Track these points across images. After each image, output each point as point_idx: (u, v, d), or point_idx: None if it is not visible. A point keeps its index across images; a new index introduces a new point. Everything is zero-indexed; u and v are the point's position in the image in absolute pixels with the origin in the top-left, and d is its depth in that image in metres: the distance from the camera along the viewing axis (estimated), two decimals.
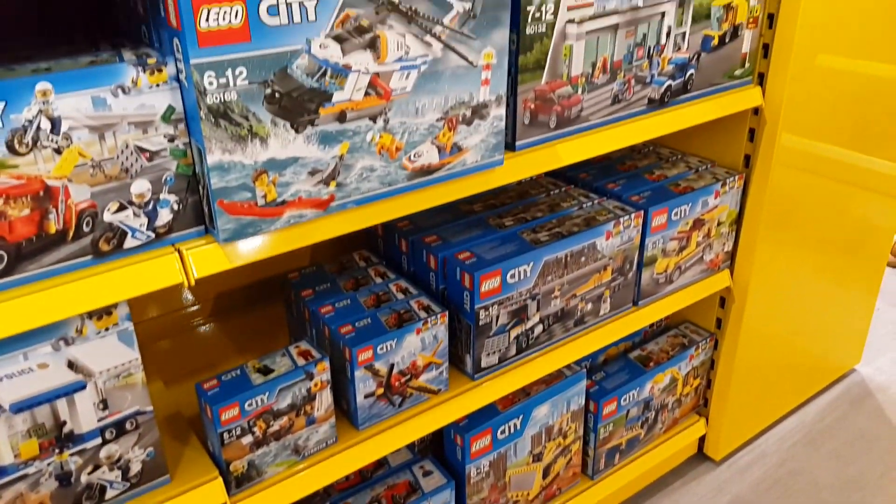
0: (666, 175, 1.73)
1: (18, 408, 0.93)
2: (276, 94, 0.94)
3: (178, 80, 0.91)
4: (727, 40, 1.52)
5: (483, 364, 1.41)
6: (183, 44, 0.86)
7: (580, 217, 1.53)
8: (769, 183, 1.70)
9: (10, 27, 1.14)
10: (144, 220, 0.94)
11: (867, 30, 1.71)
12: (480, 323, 1.36)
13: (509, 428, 1.54)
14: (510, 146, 1.28)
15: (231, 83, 0.90)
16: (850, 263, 2.16)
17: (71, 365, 0.96)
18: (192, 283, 0.96)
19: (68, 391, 0.97)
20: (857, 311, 2.34)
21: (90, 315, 0.95)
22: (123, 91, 0.87)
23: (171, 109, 0.92)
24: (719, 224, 1.73)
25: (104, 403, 1.01)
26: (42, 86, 0.82)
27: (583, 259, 1.48)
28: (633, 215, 1.53)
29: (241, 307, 1.69)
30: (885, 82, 1.85)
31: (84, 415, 1.00)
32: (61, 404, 0.97)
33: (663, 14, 1.37)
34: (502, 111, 1.19)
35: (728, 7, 1.48)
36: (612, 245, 1.52)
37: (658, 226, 1.60)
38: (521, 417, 1.55)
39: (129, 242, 0.94)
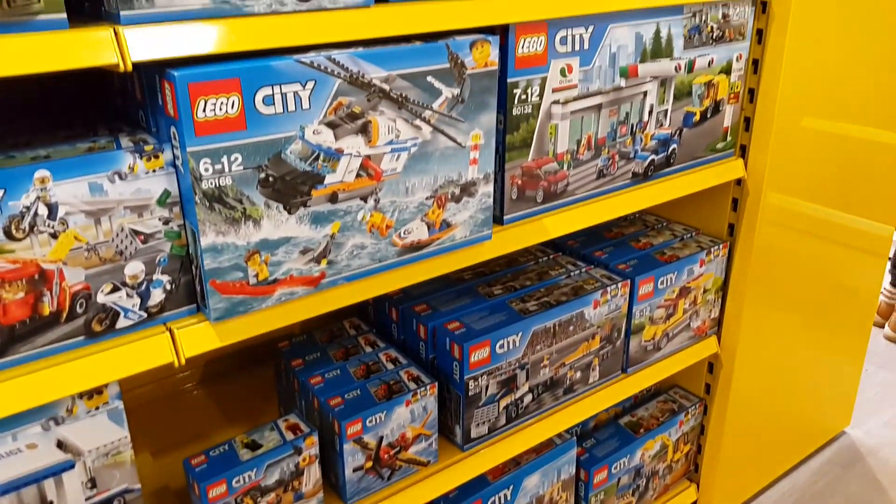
0: (652, 243, 1.77)
1: (4, 490, 0.93)
2: (270, 178, 0.97)
3: (174, 165, 0.93)
4: (709, 115, 1.57)
5: (473, 434, 1.41)
6: (180, 133, 0.89)
7: (568, 286, 1.55)
8: (753, 251, 1.73)
9: (10, 108, 1.17)
10: (137, 300, 0.96)
11: (845, 98, 1.77)
12: (470, 393, 1.37)
13: (500, 499, 1.53)
14: (498, 220, 1.31)
15: (226, 169, 0.92)
16: (836, 325, 2.19)
17: (60, 444, 0.96)
18: (183, 362, 0.97)
19: (57, 471, 0.97)
20: (846, 372, 2.35)
21: (81, 395, 0.95)
22: (120, 177, 0.90)
23: (166, 193, 0.94)
24: (705, 291, 1.76)
25: (92, 482, 1.01)
26: (41, 173, 0.85)
27: (571, 328, 1.50)
28: (620, 284, 1.56)
29: (231, 373, 1.69)
30: (865, 144, 1.90)
31: (72, 494, 0.99)
32: (49, 484, 0.97)
33: (645, 93, 1.42)
34: (490, 188, 1.22)
35: (709, 84, 1.53)
36: (599, 314, 1.54)
37: (645, 294, 1.62)
38: (511, 488, 1.55)
39: (122, 322, 0.96)
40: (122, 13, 0.84)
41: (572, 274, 1.61)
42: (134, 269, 0.94)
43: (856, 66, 1.74)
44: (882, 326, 3.07)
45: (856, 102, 1.81)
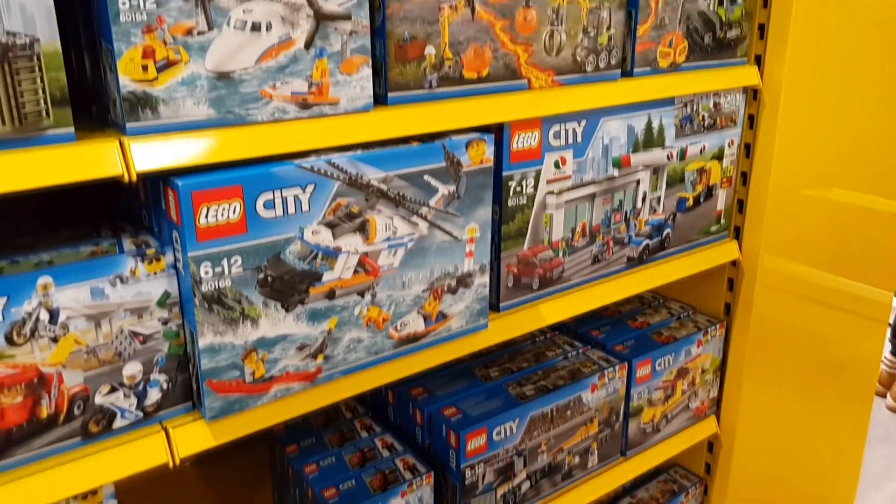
0: (648, 322, 1.77)
1: None
2: (269, 279, 0.98)
3: (175, 267, 0.95)
4: (702, 200, 1.60)
5: None
6: (182, 238, 0.91)
7: (565, 368, 1.55)
8: (750, 330, 1.74)
9: (13, 203, 1.20)
10: (134, 400, 0.96)
11: (838, 170, 1.80)
12: (466, 482, 1.35)
13: None
14: (494, 307, 1.32)
15: (226, 272, 0.94)
16: (837, 397, 2.17)
17: None
18: (177, 462, 0.97)
19: None
20: (848, 447, 2.33)
21: (76, 496, 0.95)
22: (122, 281, 0.91)
23: (166, 295, 0.96)
24: (703, 372, 1.76)
25: None
26: (43, 280, 0.86)
27: (569, 413, 1.49)
28: (617, 367, 1.56)
29: (225, 452, 1.68)
30: (859, 211, 1.92)
31: None
32: None
33: (638, 182, 1.45)
34: (486, 279, 1.23)
35: (702, 170, 1.56)
36: (597, 397, 1.54)
37: (642, 376, 1.62)
38: None
39: (118, 422, 0.96)
40: (128, 125, 0.86)
41: (569, 355, 1.61)
42: (132, 369, 0.95)
43: (847, 138, 1.77)
44: (884, 396, 3.05)
45: (849, 173, 1.83)
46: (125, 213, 1.12)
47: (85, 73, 1.00)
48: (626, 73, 1.37)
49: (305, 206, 0.99)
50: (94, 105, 0.99)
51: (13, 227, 1.03)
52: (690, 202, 1.57)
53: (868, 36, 1.68)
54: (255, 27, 0.91)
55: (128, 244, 0.95)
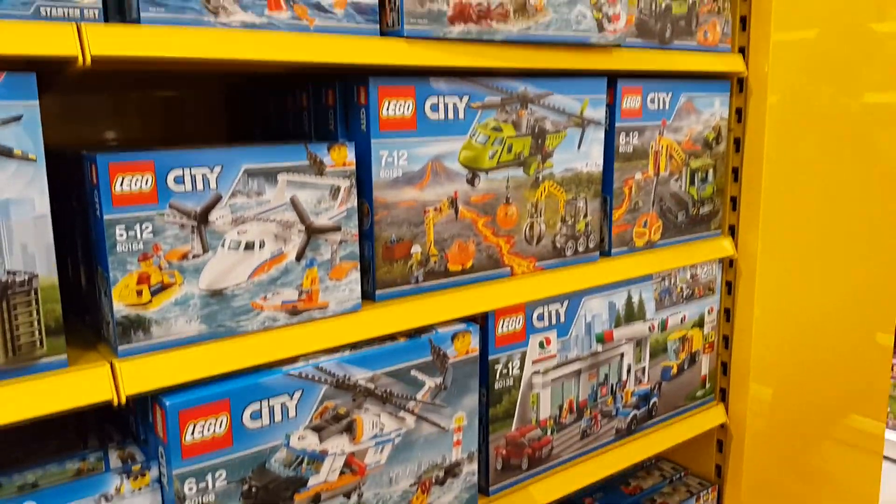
0: (642, 487, 1.75)
1: None
2: (253, 489, 0.97)
3: (159, 482, 0.94)
4: (686, 367, 1.62)
5: None
6: (167, 455, 0.91)
7: None
8: (742, 495, 1.72)
9: None
10: None
11: (818, 327, 1.83)
12: None
13: None
14: (484, 490, 1.30)
15: (210, 486, 0.93)
16: None
17: None
18: None
19: None
20: None
21: None
22: (107, 499, 0.90)
23: None
24: None
25: None
26: None
27: None
28: None
29: None
30: (841, 363, 1.94)
31: None
32: None
33: (622, 355, 1.47)
34: (474, 466, 1.23)
35: (683, 339, 1.59)
36: None
37: None
38: None
39: None
40: (120, 347, 0.88)
41: None
42: None
43: (824, 294, 1.81)
44: None
45: (827, 325, 1.86)
46: (114, 416, 1.12)
47: (80, 279, 1.03)
48: (605, 254, 1.43)
49: (292, 413, 0.99)
50: (86, 315, 1.01)
51: (0, 434, 1.03)
52: (675, 370, 1.59)
53: (837, 199, 1.76)
54: (249, 246, 0.96)
55: (114, 459, 0.95)
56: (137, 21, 0.86)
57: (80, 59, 0.79)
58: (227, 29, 0.91)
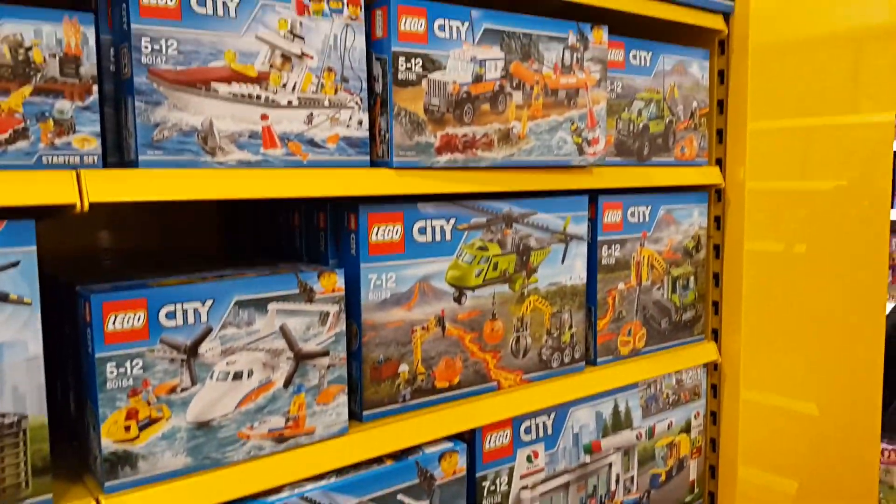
0: None
1: None
2: None
3: None
4: (674, 474, 1.61)
5: None
6: None
7: None
8: None
9: None
10: None
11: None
12: None
13: None
14: None
15: None
16: None
17: None
18: None
19: None
20: None
21: None
22: None
23: None
24: None
25: None
26: None
27: None
28: None
29: None
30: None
31: None
32: None
33: (610, 465, 1.47)
34: None
35: (671, 445, 1.59)
36: None
37: None
38: None
39: None
40: (107, 483, 0.88)
41: None
42: None
43: (813, 379, 1.82)
44: None
45: (818, 411, 1.86)
46: None
47: (68, 402, 1.03)
48: (591, 363, 1.44)
49: None
50: (74, 440, 1.01)
51: None
52: (663, 477, 1.58)
53: (818, 298, 1.80)
54: (237, 376, 0.97)
55: None
56: (135, 163, 0.89)
57: (79, 205, 0.82)
58: (224, 169, 0.94)
